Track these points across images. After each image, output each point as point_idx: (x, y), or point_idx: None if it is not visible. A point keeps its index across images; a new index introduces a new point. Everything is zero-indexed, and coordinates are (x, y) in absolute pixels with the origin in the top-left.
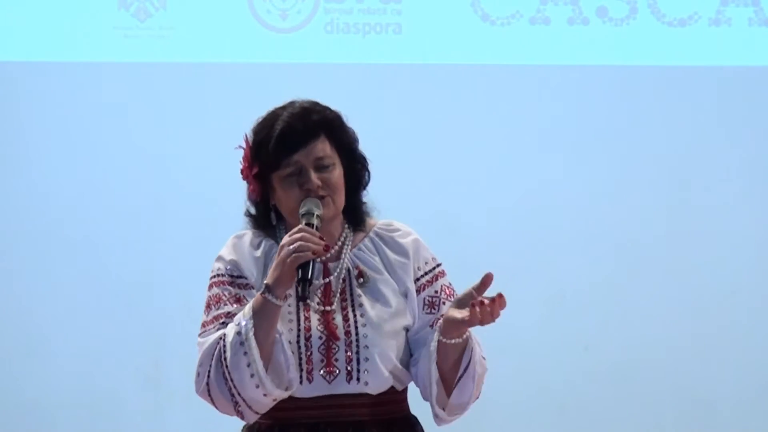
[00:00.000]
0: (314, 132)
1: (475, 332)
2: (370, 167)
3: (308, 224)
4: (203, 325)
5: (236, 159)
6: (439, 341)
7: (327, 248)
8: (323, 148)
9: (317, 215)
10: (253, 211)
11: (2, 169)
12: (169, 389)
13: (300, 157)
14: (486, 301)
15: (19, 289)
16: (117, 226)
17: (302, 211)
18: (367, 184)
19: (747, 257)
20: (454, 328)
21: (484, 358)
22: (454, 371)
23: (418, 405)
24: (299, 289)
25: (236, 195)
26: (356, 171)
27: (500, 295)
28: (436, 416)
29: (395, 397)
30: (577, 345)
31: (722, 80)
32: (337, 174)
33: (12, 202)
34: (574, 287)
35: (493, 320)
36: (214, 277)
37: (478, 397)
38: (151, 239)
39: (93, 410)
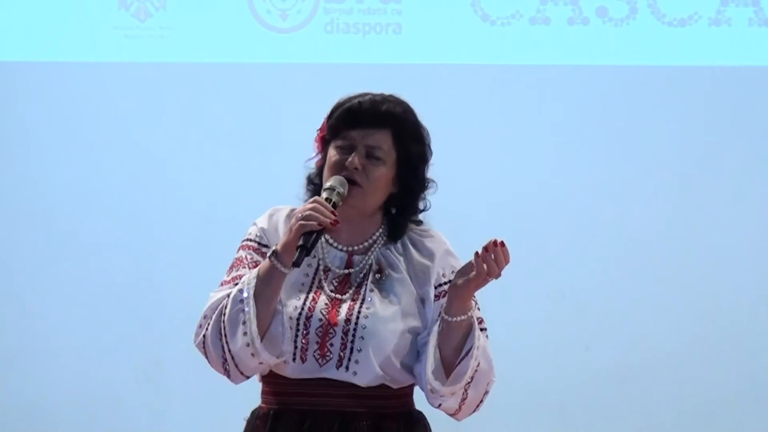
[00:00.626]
0: (379, 121)
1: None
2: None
3: (327, 199)
4: (221, 284)
5: (236, 159)
6: (443, 320)
7: (335, 224)
8: (381, 139)
9: (338, 192)
10: (314, 177)
11: (2, 169)
12: (169, 389)
13: (356, 135)
14: (490, 249)
15: (19, 289)
16: (117, 225)
17: (326, 185)
18: (424, 209)
19: (747, 257)
20: (458, 301)
21: (490, 362)
22: (455, 355)
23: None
24: (297, 254)
25: (236, 195)
26: (410, 185)
27: (502, 243)
28: (430, 391)
29: (388, 394)
30: (577, 345)
31: (722, 80)
32: (382, 171)
33: (12, 202)
34: (574, 287)
35: (500, 271)
36: (245, 240)
37: (480, 403)
38: (151, 239)
39: (93, 410)
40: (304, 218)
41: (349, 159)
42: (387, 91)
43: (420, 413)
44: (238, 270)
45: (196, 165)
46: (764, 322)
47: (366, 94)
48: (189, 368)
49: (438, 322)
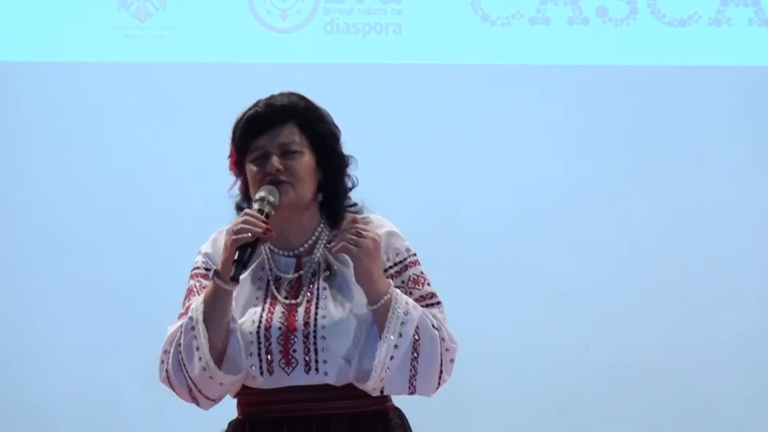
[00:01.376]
0: (281, 117)
1: (475, 331)
2: (365, 167)
3: (259, 210)
4: (178, 316)
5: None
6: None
7: (268, 233)
8: (290, 134)
9: (269, 201)
10: (241, 202)
11: (2, 169)
12: (169, 389)
13: (264, 141)
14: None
15: (19, 289)
16: (117, 225)
17: (256, 196)
18: (353, 186)
19: (747, 257)
20: (364, 286)
21: (436, 328)
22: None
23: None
24: (234, 269)
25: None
26: (332, 166)
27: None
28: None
29: (363, 393)
30: (577, 344)
31: (722, 80)
32: (304, 162)
33: (12, 202)
34: (574, 287)
35: (349, 234)
36: (193, 269)
37: (443, 373)
38: (151, 239)
39: (93, 410)
40: (236, 232)
41: (269, 165)
42: (385, 91)
43: (397, 410)
44: (189, 300)
45: (196, 165)
46: (764, 322)
47: (257, 103)
48: None
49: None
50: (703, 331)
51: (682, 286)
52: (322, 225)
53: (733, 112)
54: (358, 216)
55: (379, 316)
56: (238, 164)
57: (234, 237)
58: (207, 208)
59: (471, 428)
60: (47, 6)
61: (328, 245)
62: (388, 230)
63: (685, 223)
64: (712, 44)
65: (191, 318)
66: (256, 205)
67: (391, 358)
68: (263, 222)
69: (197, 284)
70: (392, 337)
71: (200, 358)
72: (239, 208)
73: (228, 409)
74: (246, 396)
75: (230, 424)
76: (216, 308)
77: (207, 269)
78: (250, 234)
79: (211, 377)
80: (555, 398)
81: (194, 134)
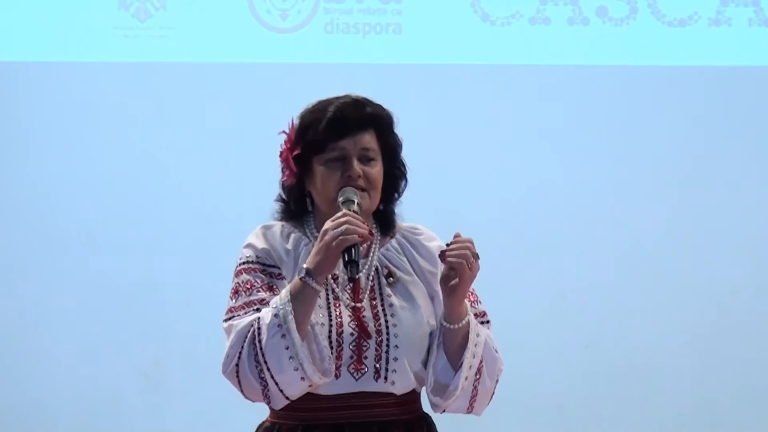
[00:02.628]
0: (365, 124)
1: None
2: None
3: (354, 212)
4: (231, 310)
5: (235, 159)
6: (442, 326)
7: (371, 234)
8: (370, 141)
9: (357, 203)
10: (285, 197)
11: (2, 169)
12: (169, 389)
13: (347, 144)
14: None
15: (19, 289)
16: (117, 225)
17: (341, 198)
18: (402, 191)
19: (747, 257)
20: (454, 307)
21: (496, 351)
22: (458, 355)
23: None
24: (348, 270)
25: (236, 195)
26: (394, 175)
27: (456, 234)
28: (433, 405)
29: (415, 398)
30: (577, 344)
31: (722, 80)
32: (378, 170)
33: (12, 202)
34: (574, 286)
35: (471, 252)
36: (245, 263)
37: (493, 393)
38: (151, 239)
39: (93, 410)
40: (343, 233)
41: (352, 170)
42: (385, 92)
43: (430, 417)
44: (250, 294)
45: (196, 165)
46: (764, 322)
47: (338, 101)
48: (189, 368)
49: (439, 328)
50: (703, 331)
51: (682, 286)
52: (375, 230)
53: (733, 112)
54: (407, 224)
55: (455, 335)
56: (298, 158)
57: (342, 238)
58: (207, 208)
59: (471, 428)
60: (47, 6)
61: (442, 253)
62: (439, 244)
63: (685, 223)
64: (712, 44)
65: (276, 315)
66: (344, 207)
67: (466, 378)
68: (364, 223)
69: (257, 279)
70: (472, 359)
71: (291, 358)
72: (283, 201)
73: (228, 409)
74: (300, 400)
75: (266, 429)
76: (304, 308)
77: (265, 264)
78: (357, 235)
79: (302, 378)
80: (555, 398)
81: (194, 134)
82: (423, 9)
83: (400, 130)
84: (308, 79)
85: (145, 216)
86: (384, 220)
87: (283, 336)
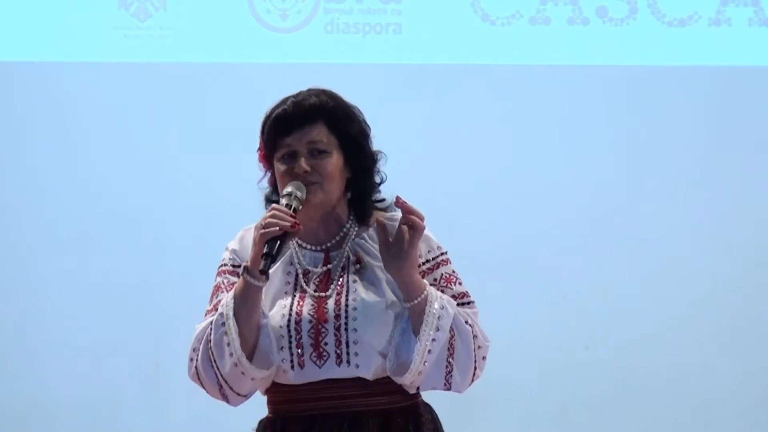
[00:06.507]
0: (310, 117)
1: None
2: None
3: (287, 205)
4: (205, 314)
5: (235, 159)
6: (406, 308)
7: (296, 227)
8: (318, 133)
9: (296, 196)
10: (268, 196)
11: (2, 169)
12: (169, 389)
13: (292, 141)
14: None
15: (19, 289)
16: (117, 225)
17: (284, 191)
18: (381, 181)
19: (747, 257)
20: (404, 282)
21: (468, 323)
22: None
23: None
24: (263, 264)
25: (236, 195)
26: (361, 165)
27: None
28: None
29: (395, 389)
30: (577, 344)
31: (722, 80)
32: (332, 162)
33: (11, 202)
34: (574, 287)
35: (416, 215)
36: (220, 266)
37: (476, 369)
38: (151, 239)
39: (93, 410)
40: (264, 226)
41: (296, 166)
42: (385, 92)
43: (427, 405)
44: (217, 296)
45: (196, 165)
46: (764, 322)
47: (287, 99)
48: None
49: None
50: (703, 331)
51: (682, 286)
52: (351, 220)
53: (733, 112)
54: (388, 213)
55: (415, 313)
56: (266, 158)
57: (262, 231)
58: (208, 208)
59: (471, 428)
60: (47, 6)
61: (398, 203)
62: None
63: (685, 223)
64: (712, 44)
65: (221, 314)
66: (283, 200)
67: (429, 351)
68: (291, 216)
69: (225, 281)
70: (431, 332)
71: (231, 354)
72: (268, 201)
73: (228, 409)
74: (276, 393)
75: (261, 422)
76: (246, 304)
77: (234, 266)
78: (278, 228)
79: (243, 372)
80: (555, 398)
81: (194, 134)
82: (423, 9)
83: (400, 130)
84: (308, 79)
85: (145, 216)
86: (360, 211)
87: (225, 333)
